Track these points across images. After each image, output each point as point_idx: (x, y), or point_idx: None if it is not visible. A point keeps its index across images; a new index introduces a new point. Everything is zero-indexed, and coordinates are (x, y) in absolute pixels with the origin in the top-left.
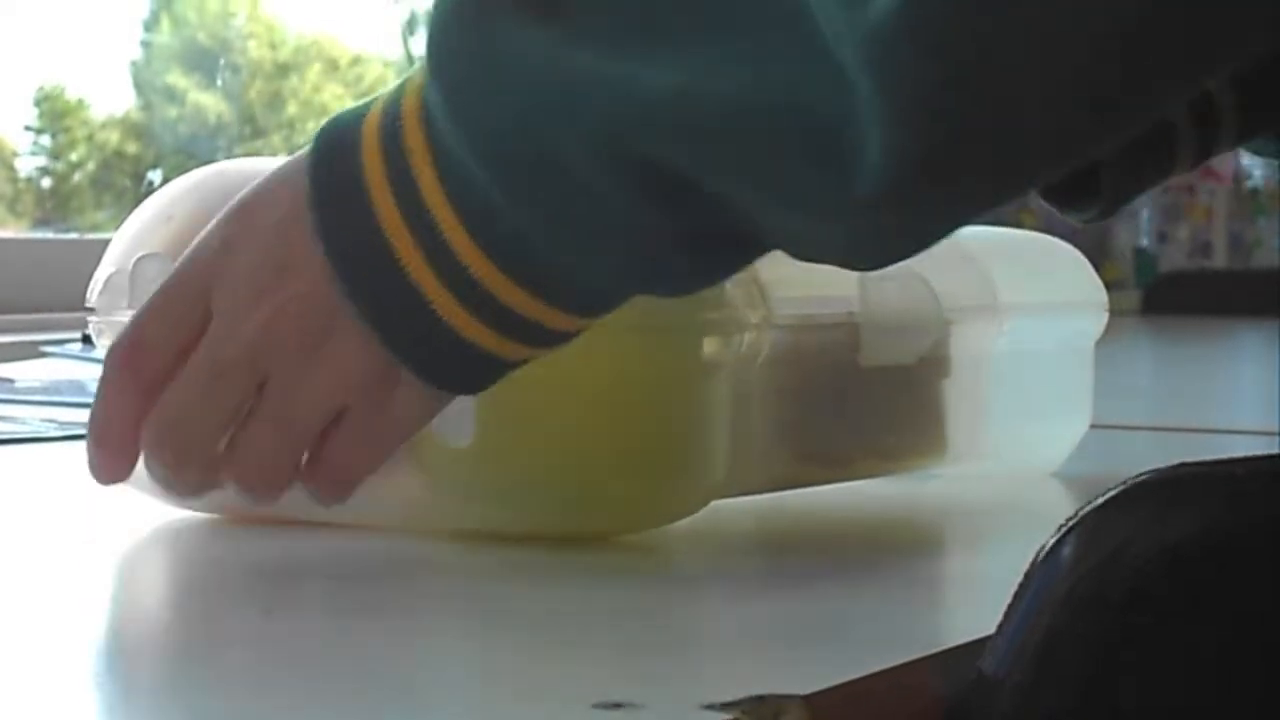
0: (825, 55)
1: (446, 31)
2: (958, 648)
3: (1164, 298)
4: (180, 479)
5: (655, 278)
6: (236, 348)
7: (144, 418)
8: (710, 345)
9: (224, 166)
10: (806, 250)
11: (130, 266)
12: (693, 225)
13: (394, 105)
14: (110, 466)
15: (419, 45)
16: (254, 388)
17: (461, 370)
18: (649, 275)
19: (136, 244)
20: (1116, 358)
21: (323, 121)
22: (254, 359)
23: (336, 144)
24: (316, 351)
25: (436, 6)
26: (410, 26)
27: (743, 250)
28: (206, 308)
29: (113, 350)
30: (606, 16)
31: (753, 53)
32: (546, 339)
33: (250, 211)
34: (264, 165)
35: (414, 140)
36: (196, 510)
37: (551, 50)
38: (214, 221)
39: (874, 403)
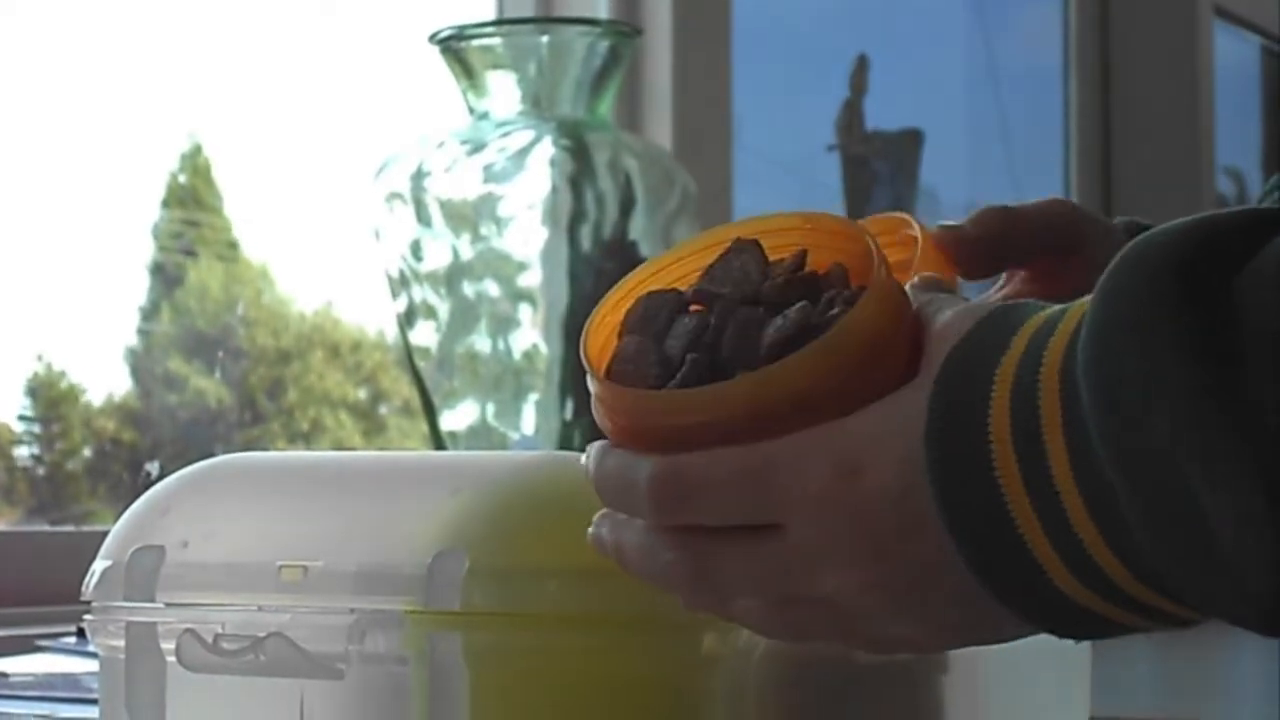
0: None
1: (1106, 330)
2: None
3: None
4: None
5: (1252, 617)
6: (815, 588)
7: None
8: (709, 640)
9: (221, 461)
10: None
11: (126, 559)
12: None
13: (1031, 380)
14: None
15: (418, 336)
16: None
17: (1064, 621)
18: (1245, 613)
19: (132, 537)
20: (1115, 650)
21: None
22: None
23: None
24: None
25: (1106, 294)
26: (409, 318)
27: None
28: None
29: (656, 485)
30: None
31: None
32: (1154, 615)
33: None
34: (259, 460)
35: (1049, 409)
36: None
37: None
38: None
39: (871, 699)
